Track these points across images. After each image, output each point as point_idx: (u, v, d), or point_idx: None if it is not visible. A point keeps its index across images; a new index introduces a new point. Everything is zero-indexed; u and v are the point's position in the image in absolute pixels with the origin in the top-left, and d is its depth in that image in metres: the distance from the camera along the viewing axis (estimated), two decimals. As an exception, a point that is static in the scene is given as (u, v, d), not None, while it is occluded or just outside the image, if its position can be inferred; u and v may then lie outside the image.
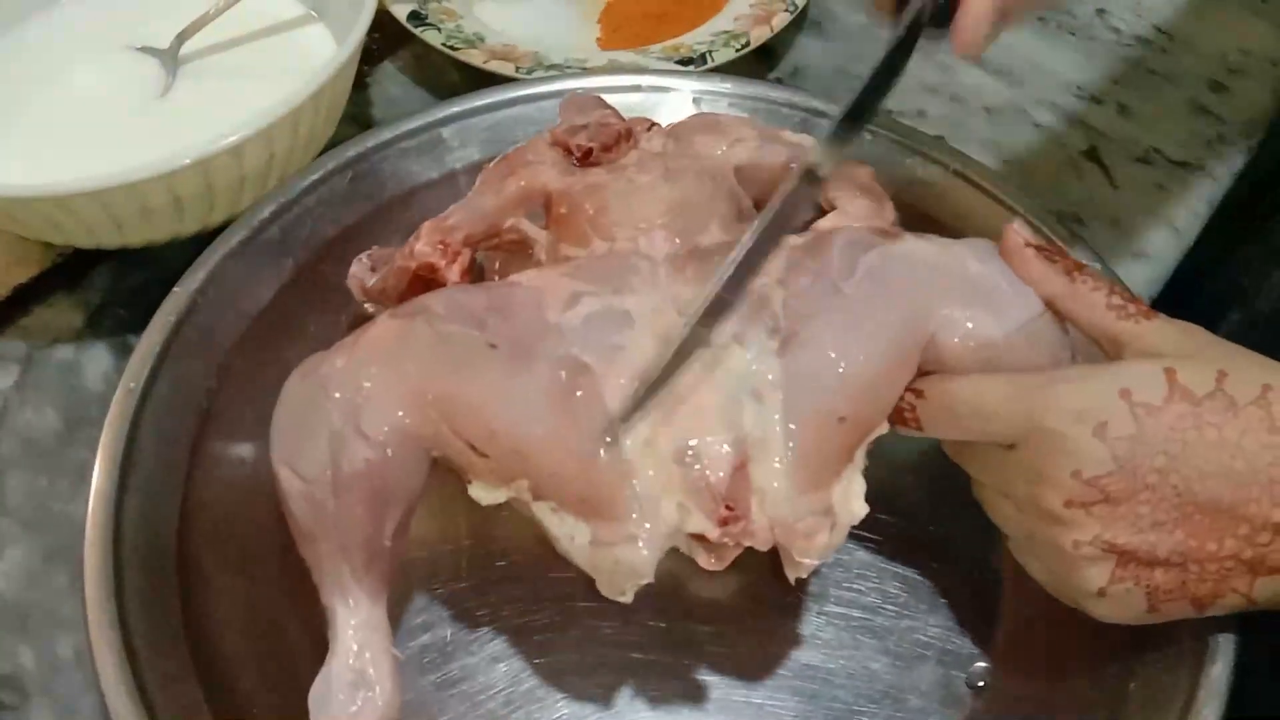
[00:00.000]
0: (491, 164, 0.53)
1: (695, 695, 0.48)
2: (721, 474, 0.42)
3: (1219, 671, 0.43)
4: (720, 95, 0.64)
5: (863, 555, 0.52)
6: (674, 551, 0.45)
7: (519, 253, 0.51)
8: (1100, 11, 0.82)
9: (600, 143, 0.52)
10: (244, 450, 0.52)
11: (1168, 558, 0.40)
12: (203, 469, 0.50)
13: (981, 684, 0.48)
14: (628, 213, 0.49)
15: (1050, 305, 0.45)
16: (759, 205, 0.52)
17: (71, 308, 0.61)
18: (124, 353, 0.59)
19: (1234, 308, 0.70)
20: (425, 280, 0.49)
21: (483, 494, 0.44)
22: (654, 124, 0.55)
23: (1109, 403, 0.40)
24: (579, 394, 0.43)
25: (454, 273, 0.48)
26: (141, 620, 0.44)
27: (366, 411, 0.42)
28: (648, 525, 0.42)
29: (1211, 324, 0.43)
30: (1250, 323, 0.69)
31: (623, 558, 0.42)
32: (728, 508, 0.42)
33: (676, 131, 0.53)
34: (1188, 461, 0.39)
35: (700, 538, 0.43)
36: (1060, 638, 0.46)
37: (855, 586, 0.51)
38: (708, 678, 0.48)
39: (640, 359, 0.44)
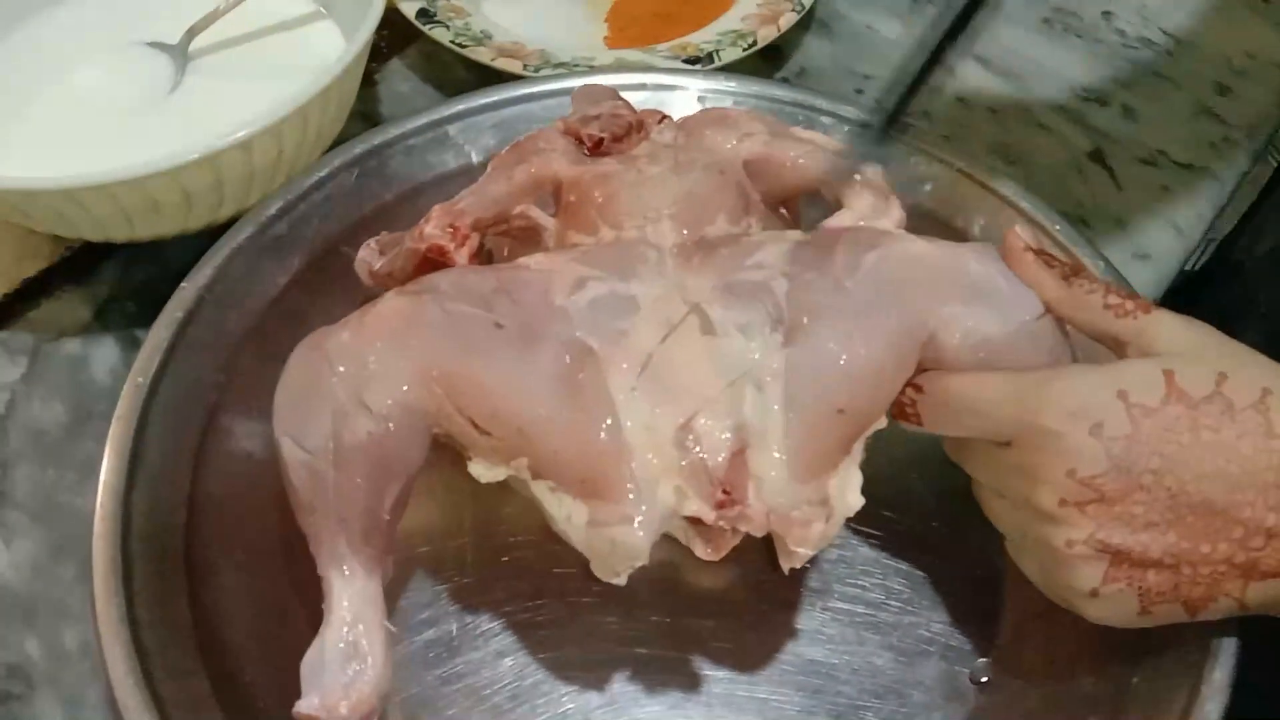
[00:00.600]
0: (503, 150, 0.53)
1: (699, 690, 0.48)
2: (720, 459, 0.43)
3: (1222, 667, 0.43)
4: (726, 94, 0.64)
5: (866, 551, 0.52)
6: (675, 544, 0.46)
7: (528, 239, 0.52)
8: (1106, 14, 0.82)
9: (611, 133, 0.52)
10: (251, 444, 0.52)
11: (1160, 559, 0.40)
12: (210, 463, 0.50)
13: (985, 679, 0.49)
14: (637, 202, 0.49)
15: (1050, 309, 0.45)
16: (768, 199, 0.52)
17: (79, 301, 0.61)
18: (131, 346, 0.59)
19: (1244, 318, 0.70)
20: (434, 263, 0.49)
21: (482, 471, 0.44)
22: (665, 116, 0.55)
23: (1105, 402, 0.40)
24: (582, 376, 0.43)
25: (462, 256, 0.49)
26: (149, 613, 0.44)
27: (370, 385, 0.43)
28: (644, 507, 0.42)
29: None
30: (1260, 333, 0.69)
31: (619, 539, 0.42)
32: (725, 492, 0.42)
33: (687, 124, 0.54)
34: (1183, 463, 0.39)
35: (696, 522, 0.43)
36: (1064, 634, 0.46)
37: (859, 582, 0.51)
38: (712, 672, 0.49)
39: (643, 344, 0.44)
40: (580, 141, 0.53)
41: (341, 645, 0.42)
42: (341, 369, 0.43)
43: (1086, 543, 0.40)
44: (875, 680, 0.48)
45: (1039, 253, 0.46)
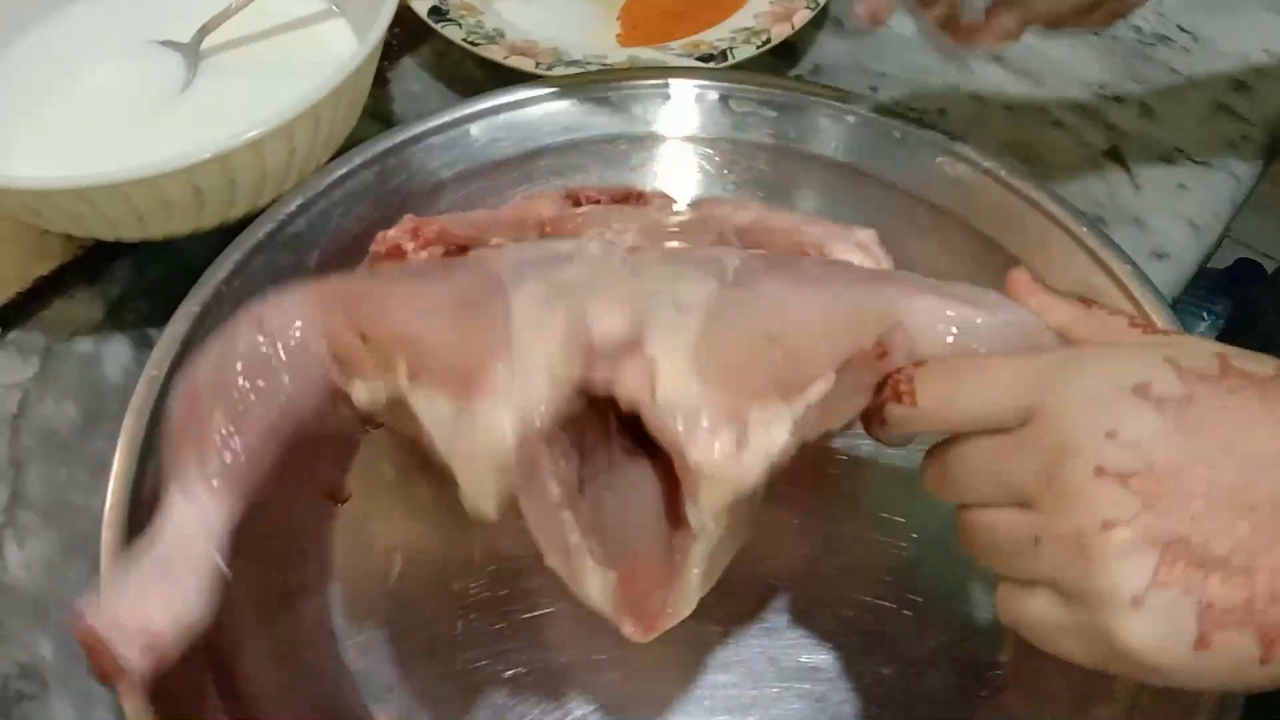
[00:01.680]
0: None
1: (703, 694, 0.48)
2: (609, 332, 0.38)
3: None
4: (741, 91, 0.64)
5: (873, 559, 0.52)
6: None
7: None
8: (1123, 10, 0.81)
9: (609, 195, 0.53)
10: (261, 444, 0.52)
11: (1227, 557, 0.30)
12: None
13: (993, 692, 0.48)
14: (608, 224, 0.49)
15: (1063, 333, 0.40)
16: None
17: (92, 300, 0.61)
18: (144, 345, 0.59)
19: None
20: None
21: (363, 393, 0.41)
22: (670, 199, 0.55)
23: (1153, 368, 0.33)
24: (483, 296, 0.41)
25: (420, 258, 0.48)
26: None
27: (271, 312, 0.41)
28: (515, 382, 0.38)
29: None
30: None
31: (479, 424, 0.37)
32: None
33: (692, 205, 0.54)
34: (1253, 436, 0.31)
35: (624, 587, 0.41)
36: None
37: (867, 590, 0.51)
38: (714, 676, 0.48)
39: (562, 279, 0.42)
40: (578, 203, 0.53)
41: (155, 564, 0.37)
42: (249, 311, 0.41)
43: (1130, 524, 0.31)
44: (881, 690, 0.48)
45: (1046, 287, 0.41)
